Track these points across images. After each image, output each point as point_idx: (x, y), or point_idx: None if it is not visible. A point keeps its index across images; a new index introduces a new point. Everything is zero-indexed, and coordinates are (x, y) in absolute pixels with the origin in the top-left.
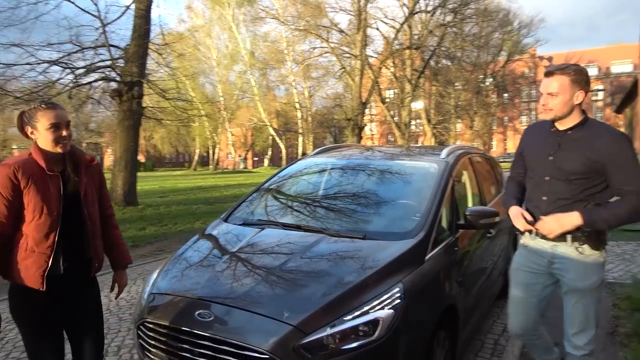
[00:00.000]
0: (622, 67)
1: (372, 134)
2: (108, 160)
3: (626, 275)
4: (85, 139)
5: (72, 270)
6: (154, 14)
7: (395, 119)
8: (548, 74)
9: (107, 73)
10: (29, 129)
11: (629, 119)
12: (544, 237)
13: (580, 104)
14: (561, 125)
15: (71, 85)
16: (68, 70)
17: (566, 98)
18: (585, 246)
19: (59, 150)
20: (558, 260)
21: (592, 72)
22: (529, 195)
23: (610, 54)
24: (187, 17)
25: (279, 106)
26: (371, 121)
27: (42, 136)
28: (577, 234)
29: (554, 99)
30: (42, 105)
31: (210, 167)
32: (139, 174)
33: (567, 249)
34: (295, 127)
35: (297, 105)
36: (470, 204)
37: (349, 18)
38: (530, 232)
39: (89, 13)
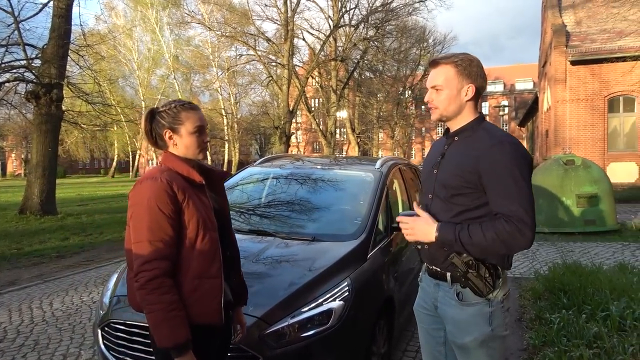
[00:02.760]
0: (524, 84)
1: (298, 142)
2: (11, 166)
3: (529, 270)
4: None
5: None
6: (74, 12)
7: (321, 127)
8: (433, 63)
9: (22, 74)
10: (167, 133)
11: (530, 131)
12: (430, 271)
13: (473, 102)
14: (451, 129)
15: None
16: None
17: (452, 93)
18: (467, 290)
19: (200, 157)
20: (439, 306)
21: (498, 88)
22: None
23: (514, 72)
24: (107, 16)
25: (204, 112)
26: (297, 129)
27: (185, 142)
28: (455, 272)
29: (439, 95)
30: (185, 105)
31: (131, 173)
32: None
33: (446, 292)
34: (221, 133)
35: (223, 112)
36: (401, 208)
37: (276, 27)
38: (422, 261)
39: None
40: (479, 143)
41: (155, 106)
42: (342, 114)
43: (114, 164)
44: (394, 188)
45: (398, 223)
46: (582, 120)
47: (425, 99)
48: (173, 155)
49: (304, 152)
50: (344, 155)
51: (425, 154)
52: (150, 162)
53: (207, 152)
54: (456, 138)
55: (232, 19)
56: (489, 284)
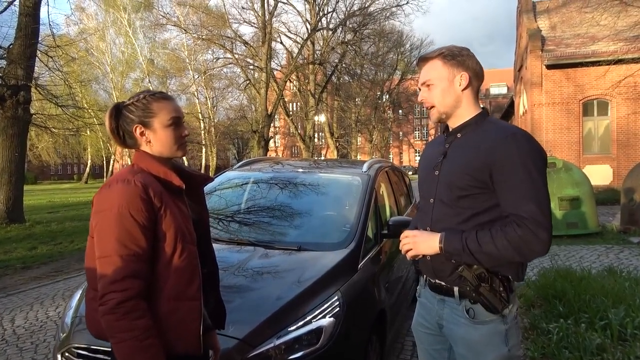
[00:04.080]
0: (498, 89)
1: (277, 147)
2: None
3: None
4: None
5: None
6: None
7: (299, 131)
8: (421, 61)
9: None
10: (138, 129)
11: None
12: (432, 285)
13: (471, 93)
14: (452, 127)
15: None
16: None
17: (444, 85)
18: (478, 307)
19: (179, 154)
20: (445, 324)
21: None
22: (419, 227)
23: (488, 78)
24: (77, 19)
25: None
26: (275, 134)
27: (160, 137)
28: (465, 287)
29: (432, 91)
30: (157, 95)
31: (105, 179)
32: None
33: (453, 309)
34: (197, 138)
35: (200, 116)
36: (388, 213)
37: (253, 30)
38: (420, 273)
39: None
40: (488, 137)
41: (120, 101)
42: (321, 118)
43: (87, 169)
44: (381, 192)
45: (389, 228)
46: (558, 124)
47: (419, 99)
48: (147, 154)
49: (283, 156)
50: (328, 158)
51: (405, 157)
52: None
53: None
54: (459, 135)
55: (208, 22)
56: (504, 298)
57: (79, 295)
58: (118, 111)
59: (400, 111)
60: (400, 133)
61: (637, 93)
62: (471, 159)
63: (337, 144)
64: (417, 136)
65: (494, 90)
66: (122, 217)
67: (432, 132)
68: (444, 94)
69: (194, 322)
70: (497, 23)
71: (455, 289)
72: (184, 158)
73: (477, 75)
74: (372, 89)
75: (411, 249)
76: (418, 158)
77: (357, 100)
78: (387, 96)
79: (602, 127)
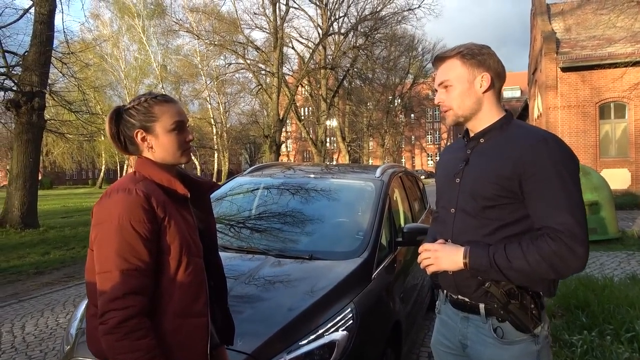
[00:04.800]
0: (512, 92)
1: (288, 151)
2: None
3: None
4: None
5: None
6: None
7: (311, 136)
8: (438, 60)
9: (1, 81)
10: (139, 134)
11: None
12: (454, 302)
13: (493, 95)
14: (474, 132)
15: None
16: None
17: (464, 86)
18: (507, 325)
19: (183, 160)
20: (470, 344)
21: None
22: (438, 238)
23: None
24: (93, 26)
25: (193, 121)
26: (287, 138)
27: (162, 142)
28: (492, 304)
29: (450, 92)
30: (159, 97)
31: None
32: None
33: (479, 327)
34: (210, 143)
35: (212, 121)
36: (402, 220)
37: (265, 36)
38: (439, 287)
39: None
40: (516, 143)
41: (121, 104)
42: (332, 123)
43: (102, 174)
44: (394, 198)
45: (403, 236)
46: (574, 127)
47: (436, 101)
48: (149, 161)
49: (294, 161)
50: (339, 163)
51: (417, 161)
52: None
53: (193, 157)
54: (482, 140)
55: (220, 28)
56: (535, 316)
57: (84, 306)
58: (118, 115)
59: (412, 115)
60: (413, 137)
61: None
62: (498, 166)
63: (349, 149)
64: (429, 140)
65: (507, 94)
66: (122, 229)
67: (445, 135)
68: (463, 96)
69: (201, 340)
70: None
71: (481, 305)
72: (197, 163)
73: (499, 76)
74: (384, 93)
75: (432, 264)
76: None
77: (368, 104)
78: (399, 100)
79: (619, 130)
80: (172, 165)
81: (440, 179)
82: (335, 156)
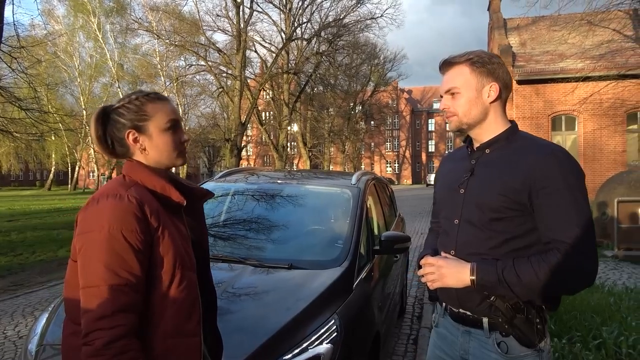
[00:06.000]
0: None
1: (249, 156)
2: None
3: None
4: None
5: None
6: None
7: (272, 140)
8: (446, 65)
9: None
10: (130, 135)
11: None
12: (455, 315)
13: (500, 105)
14: (478, 141)
15: None
16: None
17: (472, 95)
18: (511, 340)
19: (178, 163)
20: (472, 359)
21: None
22: (440, 250)
23: None
24: (44, 21)
25: None
26: (248, 142)
27: (157, 143)
28: (495, 317)
29: (457, 99)
30: (151, 95)
31: (69, 186)
32: None
33: (481, 342)
34: None
35: None
36: (376, 228)
37: (227, 38)
38: (436, 300)
39: None
40: (525, 154)
41: (108, 104)
42: (294, 128)
43: (51, 175)
44: (369, 205)
45: (381, 244)
46: None
47: (440, 107)
48: (140, 164)
49: (254, 165)
50: (313, 169)
51: (377, 168)
52: (91, 173)
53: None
54: (487, 150)
55: (181, 28)
56: (540, 330)
57: (44, 319)
58: (106, 115)
59: (372, 122)
60: (372, 144)
61: (602, 109)
62: (507, 178)
63: (310, 154)
64: (388, 147)
65: (440, 109)
66: (112, 239)
67: (404, 143)
68: (470, 105)
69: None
70: (464, 41)
71: (485, 319)
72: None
73: (506, 87)
74: (345, 99)
75: (436, 280)
76: (389, 169)
77: (330, 110)
78: (360, 107)
79: (569, 142)
80: (165, 168)
81: (441, 189)
82: (296, 161)
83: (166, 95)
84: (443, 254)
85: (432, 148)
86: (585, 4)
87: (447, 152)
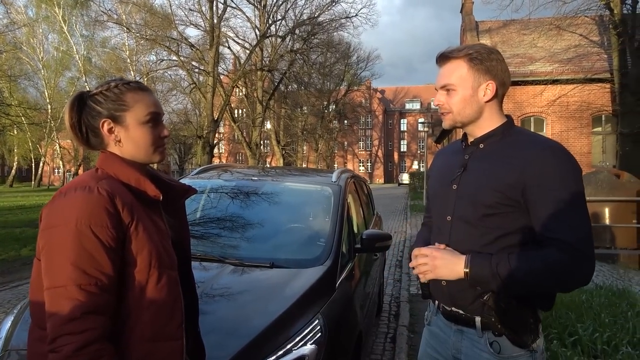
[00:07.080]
0: None
1: (221, 153)
2: None
3: None
4: None
5: None
6: None
7: (245, 138)
8: (442, 58)
9: None
10: (105, 124)
11: None
12: (447, 314)
13: (496, 102)
14: (472, 136)
15: None
16: None
17: (467, 93)
18: (504, 340)
19: (155, 160)
20: (464, 358)
21: (416, 106)
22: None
23: (429, 92)
24: (2, 12)
25: None
26: (220, 140)
27: (133, 136)
28: (488, 317)
29: (452, 97)
30: (132, 84)
31: (33, 182)
32: None
33: (474, 341)
34: None
35: None
36: (356, 226)
37: (200, 33)
38: (428, 298)
39: None
40: (521, 150)
41: (85, 90)
42: (267, 125)
43: (13, 171)
44: (348, 203)
45: (362, 242)
46: None
47: (435, 103)
48: (115, 156)
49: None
50: (293, 167)
51: (350, 166)
52: (56, 170)
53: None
54: (481, 145)
55: (153, 22)
56: (533, 330)
57: (9, 323)
58: (81, 102)
59: (345, 121)
60: (345, 143)
61: (569, 112)
62: (502, 174)
63: (283, 152)
64: (361, 146)
65: (434, 105)
66: (81, 235)
67: (376, 142)
68: (464, 103)
69: None
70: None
71: (477, 318)
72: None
73: (503, 85)
74: (319, 98)
75: (428, 271)
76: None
77: (304, 108)
78: (334, 106)
79: None
80: (141, 163)
81: (434, 185)
82: (269, 159)
83: None
84: (437, 244)
85: (404, 148)
86: (554, 9)
87: (438, 149)
